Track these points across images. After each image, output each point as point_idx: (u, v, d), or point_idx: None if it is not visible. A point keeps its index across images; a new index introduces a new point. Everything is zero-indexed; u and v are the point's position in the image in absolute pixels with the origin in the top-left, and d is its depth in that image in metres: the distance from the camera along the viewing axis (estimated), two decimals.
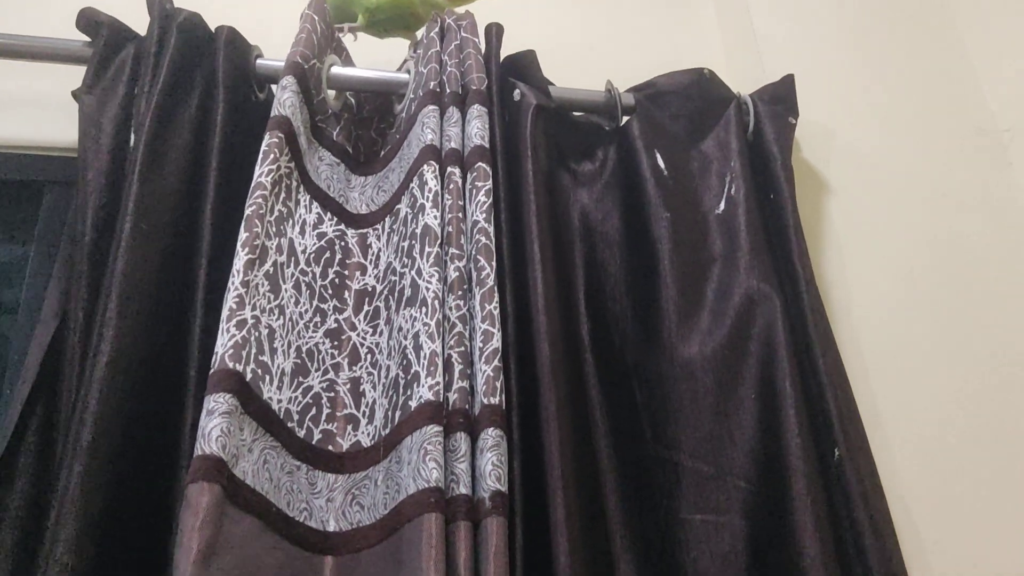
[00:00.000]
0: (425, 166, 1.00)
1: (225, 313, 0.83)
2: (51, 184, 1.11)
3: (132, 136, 0.98)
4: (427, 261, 0.93)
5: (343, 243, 1.06)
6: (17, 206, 1.13)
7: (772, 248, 1.09)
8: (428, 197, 0.98)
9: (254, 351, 0.84)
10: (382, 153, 1.16)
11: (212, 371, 0.80)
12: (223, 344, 0.81)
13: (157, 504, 0.82)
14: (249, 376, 0.82)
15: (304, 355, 0.95)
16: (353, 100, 1.20)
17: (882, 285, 1.18)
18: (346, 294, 1.03)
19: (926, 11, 1.42)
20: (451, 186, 1.00)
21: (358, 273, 1.05)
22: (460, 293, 0.93)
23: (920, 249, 1.22)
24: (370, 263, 1.06)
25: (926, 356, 1.15)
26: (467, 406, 0.87)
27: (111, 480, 0.79)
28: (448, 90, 1.08)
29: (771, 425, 0.94)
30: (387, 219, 1.07)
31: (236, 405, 0.79)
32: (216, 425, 0.76)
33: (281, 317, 0.92)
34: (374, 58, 1.23)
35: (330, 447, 0.93)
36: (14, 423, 0.84)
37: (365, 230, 1.09)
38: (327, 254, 1.04)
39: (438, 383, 0.85)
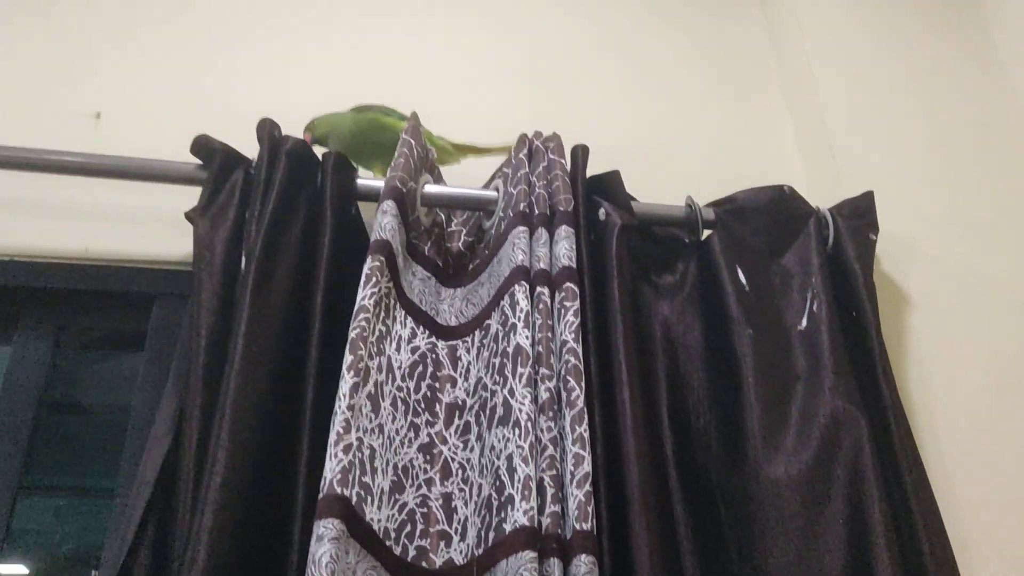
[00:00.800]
0: (516, 286, 1.04)
1: (332, 437, 0.88)
2: (162, 296, 1.18)
3: (243, 259, 1.04)
4: (519, 381, 0.97)
5: (434, 355, 1.11)
6: (128, 316, 1.20)
7: (855, 365, 1.10)
8: (520, 317, 1.02)
9: (358, 473, 0.88)
10: (470, 266, 1.21)
11: (321, 496, 0.84)
12: (331, 469, 0.85)
13: None
14: (354, 500, 0.85)
15: (400, 471, 0.98)
16: (443, 215, 1.25)
17: (966, 400, 1.18)
18: (437, 407, 1.07)
19: (1006, 121, 1.43)
20: (541, 306, 1.04)
21: (448, 386, 1.09)
22: (551, 414, 0.96)
23: (1005, 362, 1.22)
24: (460, 376, 1.10)
25: (1014, 473, 1.14)
26: (559, 531, 0.89)
27: None
28: (537, 211, 1.12)
29: (861, 553, 0.94)
30: (477, 333, 1.11)
31: (343, 530, 0.82)
32: (325, 551, 0.80)
33: (381, 436, 0.96)
34: (456, 172, 1.29)
35: (424, 563, 0.96)
36: (130, 540, 0.89)
37: (455, 342, 1.13)
38: (420, 368, 1.08)
39: (533, 508, 0.88)
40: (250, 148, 1.14)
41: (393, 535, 0.93)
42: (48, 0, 1.40)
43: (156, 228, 1.22)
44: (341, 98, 1.26)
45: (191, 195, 1.15)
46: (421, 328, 1.11)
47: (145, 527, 0.90)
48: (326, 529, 0.81)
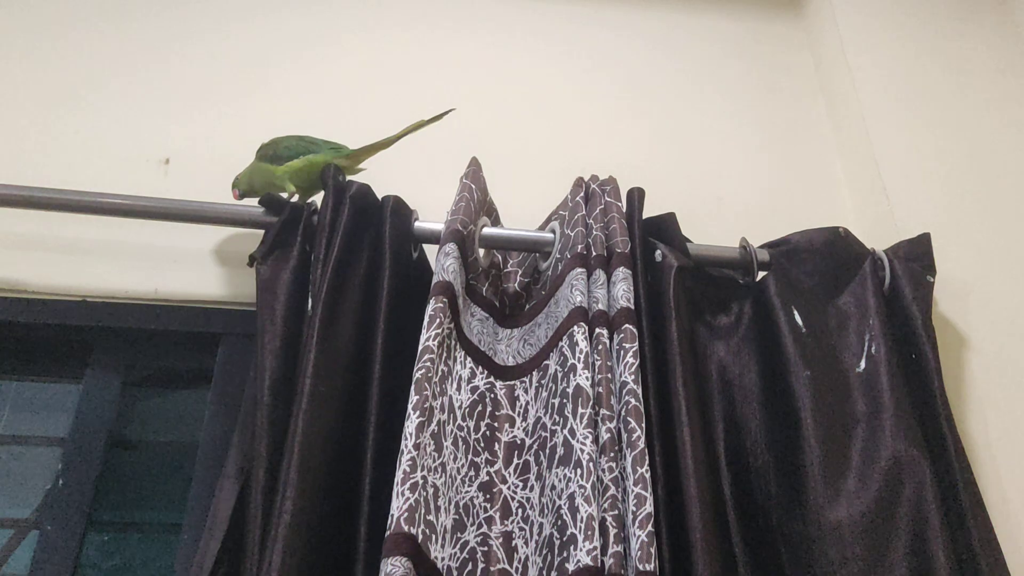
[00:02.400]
0: (575, 327, 1.06)
1: (399, 476, 0.89)
2: (227, 335, 1.21)
3: (309, 302, 1.07)
4: (580, 422, 0.98)
5: (492, 395, 1.12)
6: (195, 355, 1.23)
7: (916, 408, 1.10)
8: (579, 358, 1.03)
9: (423, 511, 0.89)
10: (527, 307, 1.23)
11: (388, 533, 0.85)
12: (398, 507, 0.86)
13: None
14: (420, 538, 0.87)
15: (461, 510, 0.99)
16: (500, 257, 1.27)
17: None
18: (496, 446, 1.08)
19: None
20: (600, 347, 1.05)
21: (507, 425, 1.10)
22: (612, 455, 0.97)
23: None
24: (518, 415, 1.11)
25: None
26: (622, 571, 0.90)
27: None
28: (594, 253, 1.14)
29: None
30: (535, 373, 1.13)
31: (410, 568, 0.84)
32: None
33: (443, 475, 0.97)
34: (513, 215, 1.31)
35: None
36: (208, 572, 0.91)
37: (512, 382, 1.14)
38: (479, 407, 1.09)
39: (596, 547, 0.89)
40: None
41: (456, 574, 0.94)
42: (118, 53, 1.46)
43: (222, 270, 1.26)
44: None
45: (255, 238, 1.19)
46: (480, 368, 1.13)
47: (220, 564, 0.92)
48: (394, 567, 0.82)
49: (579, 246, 1.15)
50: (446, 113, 1.24)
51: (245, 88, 1.46)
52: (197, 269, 1.26)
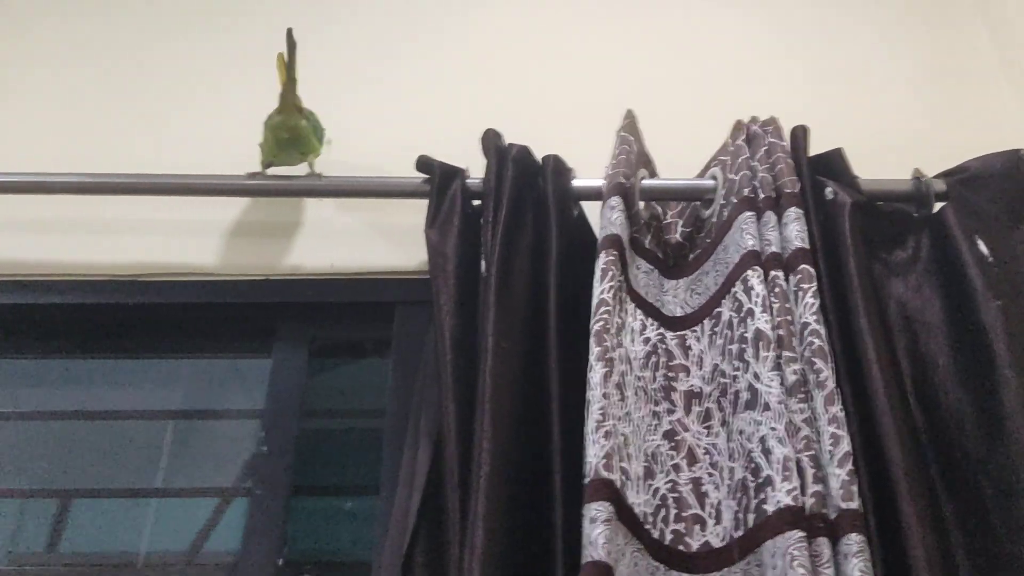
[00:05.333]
0: (749, 271, 1.05)
1: (591, 425, 0.91)
2: (401, 304, 1.26)
3: (483, 263, 1.10)
4: (764, 365, 0.97)
5: (664, 346, 1.12)
6: (373, 324, 1.28)
7: None
8: (756, 302, 1.02)
9: (617, 459, 0.90)
10: (691, 256, 1.22)
11: (587, 480, 0.87)
12: (595, 455, 0.88)
13: None
14: (618, 483, 0.88)
15: (649, 458, 1.01)
16: (659, 208, 1.27)
17: None
18: (674, 396, 1.08)
19: None
20: (776, 290, 1.03)
21: (682, 375, 1.10)
22: (800, 396, 0.96)
23: None
24: (693, 364, 1.11)
25: None
26: (824, 510, 0.89)
27: None
28: (762, 195, 1.12)
29: None
30: (706, 321, 1.12)
31: (612, 512, 0.85)
32: (600, 532, 0.83)
33: (630, 423, 0.99)
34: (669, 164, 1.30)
35: (680, 547, 0.97)
36: (411, 531, 0.95)
37: (683, 332, 1.14)
38: (653, 358, 1.10)
39: (795, 488, 0.88)
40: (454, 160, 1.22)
41: (650, 519, 0.96)
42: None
43: (390, 241, 1.30)
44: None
45: (417, 208, 1.23)
46: (650, 320, 1.13)
47: (423, 517, 0.97)
48: (598, 511, 0.84)
49: (745, 189, 1.13)
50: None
51: (395, 66, 1.50)
52: (367, 242, 1.31)
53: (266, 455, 1.20)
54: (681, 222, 1.27)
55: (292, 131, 1.18)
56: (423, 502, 0.98)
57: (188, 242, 1.31)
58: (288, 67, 1.16)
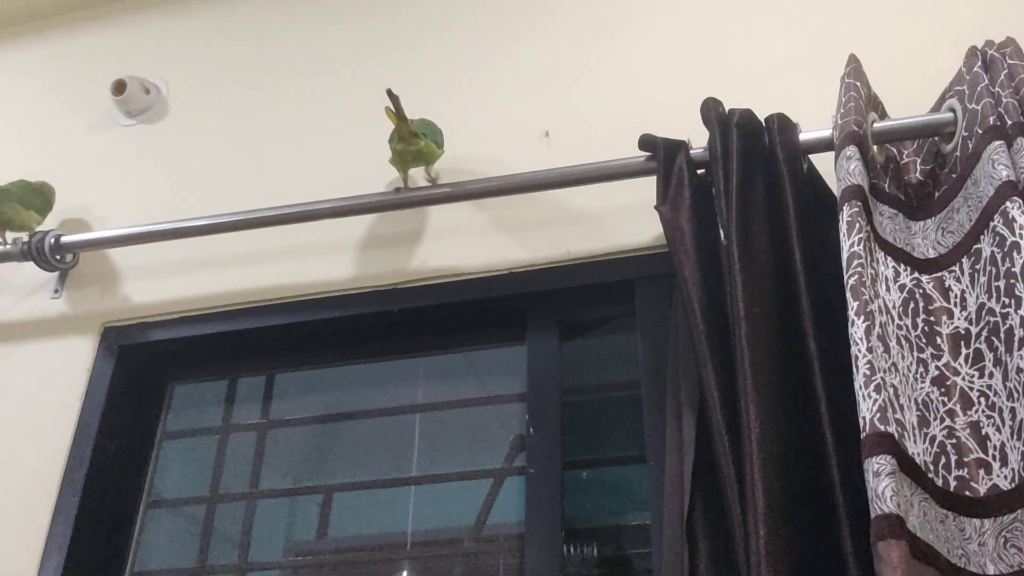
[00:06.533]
0: (1008, 203, 1.00)
1: (860, 380, 0.91)
2: (640, 280, 1.30)
3: (721, 232, 1.12)
4: None
5: (921, 290, 1.10)
6: (614, 303, 1.33)
7: None
8: (1020, 234, 0.97)
9: (890, 411, 0.90)
10: (936, 195, 1.18)
11: (865, 435, 0.88)
12: (868, 409, 0.89)
13: (832, 555, 0.92)
14: (896, 435, 0.88)
15: (921, 406, 0.99)
16: (894, 150, 1.23)
17: None
18: (939, 340, 1.06)
19: None
20: None
21: (944, 317, 1.07)
22: None
23: None
24: (955, 306, 1.07)
25: None
26: None
27: (793, 536, 0.90)
28: (1009, 122, 1.07)
29: None
30: (964, 260, 1.08)
31: (895, 465, 0.86)
32: (887, 485, 0.84)
33: (896, 374, 0.98)
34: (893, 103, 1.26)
35: (967, 492, 0.96)
36: (688, 495, 1.00)
37: (939, 274, 1.11)
38: (911, 304, 1.08)
39: None
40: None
41: (931, 468, 0.95)
42: (498, 37, 1.60)
43: (618, 222, 1.35)
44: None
45: (636, 185, 1.26)
46: (902, 266, 1.11)
47: (697, 478, 1.01)
48: (880, 465, 0.85)
49: (990, 118, 1.08)
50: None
51: (605, 56, 1.53)
52: (596, 226, 1.36)
53: (533, 436, 1.28)
54: (919, 160, 1.23)
55: (415, 154, 1.36)
56: (695, 468, 1.02)
57: (434, 247, 1.42)
58: (396, 113, 1.31)
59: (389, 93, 1.29)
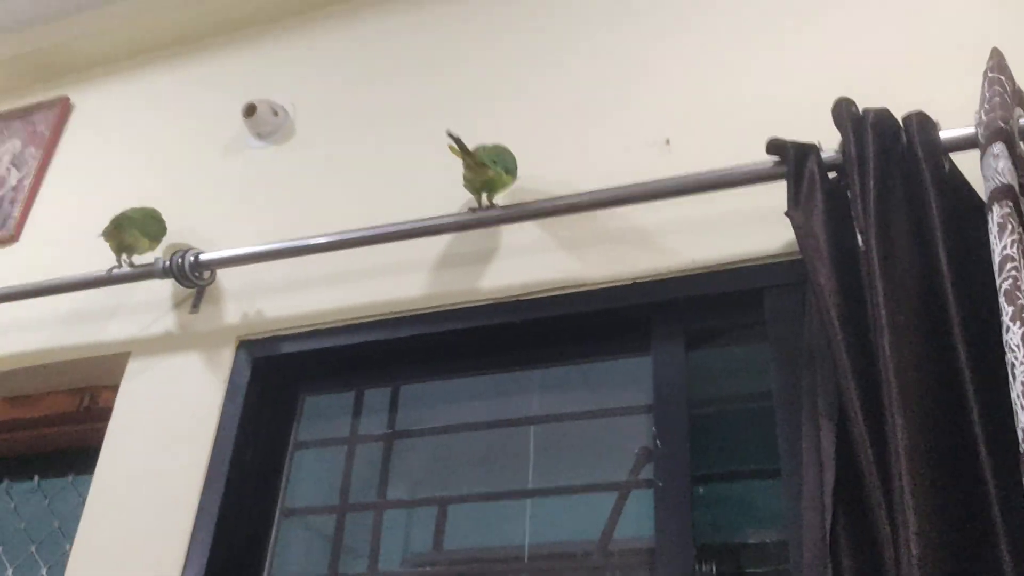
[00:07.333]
0: None
1: (1018, 389, 0.86)
2: (768, 288, 1.26)
3: (858, 237, 1.07)
4: None
5: None
6: (743, 311, 1.30)
7: None
8: None
9: None
10: None
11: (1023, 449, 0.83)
12: None
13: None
14: None
15: None
16: None
17: None
18: None
19: None
20: None
21: None
22: None
23: None
24: None
25: None
26: None
27: (948, 556, 0.86)
28: None
29: None
30: None
31: None
32: None
33: None
34: None
35: None
36: (831, 510, 0.96)
37: None
38: None
39: None
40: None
41: None
42: (616, 49, 1.60)
43: (744, 229, 1.32)
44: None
45: (762, 191, 1.24)
46: None
47: (840, 492, 0.97)
48: None
49: None
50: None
51: (724, 62, 1.50)
52: (722, 234, 1.33)
53: (661, 449, 1.26)
54: None
55: (484, 183, 1.42)
56: (836, 481, 0.98)
57: (556, 259, 1.42)
58: (461, 150, 1.39)
59: (449, 134, 1.36)
